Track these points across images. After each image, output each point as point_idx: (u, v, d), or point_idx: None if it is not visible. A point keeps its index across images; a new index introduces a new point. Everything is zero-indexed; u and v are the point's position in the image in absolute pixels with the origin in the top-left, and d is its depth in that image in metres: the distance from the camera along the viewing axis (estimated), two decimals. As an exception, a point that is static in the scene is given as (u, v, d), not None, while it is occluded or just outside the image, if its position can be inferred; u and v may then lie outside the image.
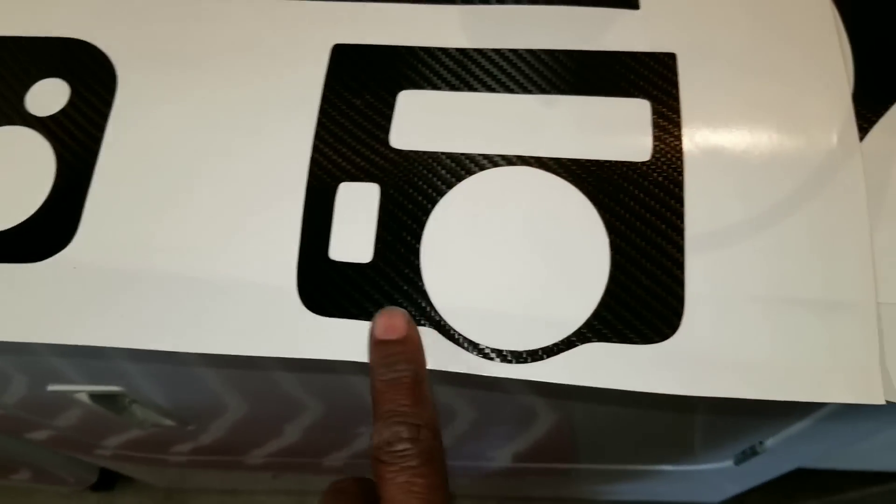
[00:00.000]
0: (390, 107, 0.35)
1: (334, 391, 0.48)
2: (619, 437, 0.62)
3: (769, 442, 0.57)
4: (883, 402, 0.29)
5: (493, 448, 0.66)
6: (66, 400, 0.57)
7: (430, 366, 0.32)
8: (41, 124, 0.36)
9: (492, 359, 0.31)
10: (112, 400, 0.59)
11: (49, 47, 0.38)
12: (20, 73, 0.37)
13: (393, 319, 0.31)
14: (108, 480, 0.98)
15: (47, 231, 0.34)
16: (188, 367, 0.44)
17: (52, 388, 0.56)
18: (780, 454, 0.59)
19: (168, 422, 0.64)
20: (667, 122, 0.34)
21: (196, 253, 0.33)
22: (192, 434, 0.67)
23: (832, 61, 0.34)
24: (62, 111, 0.36)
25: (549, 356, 0.31)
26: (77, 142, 0.35)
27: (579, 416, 0.54)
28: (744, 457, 0.65)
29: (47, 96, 0.36)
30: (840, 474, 0.66)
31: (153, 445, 0.70)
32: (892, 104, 0.34)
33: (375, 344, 0.31)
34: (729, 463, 0.67)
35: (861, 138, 0.33)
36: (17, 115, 0.36)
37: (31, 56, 0.37)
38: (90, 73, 0.37)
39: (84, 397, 0.57)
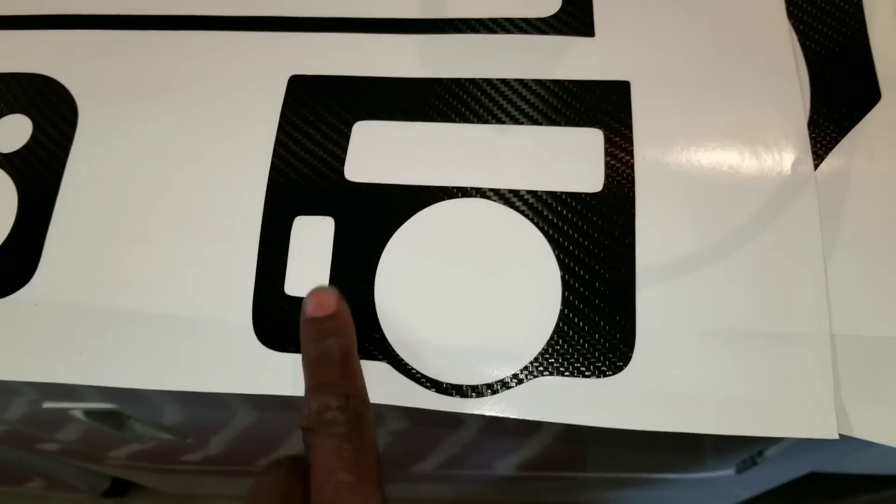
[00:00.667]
0: (346, 138, 0.35)
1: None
2: (627, 446, 0.61)
3: (769, 452, 0.57)
4: (836, 437, 0.29)
5: (500, 457, 0.66)
6: (65, 416, 0.58)
7: (384, 400, 0.32)
8: (5, 160, 0.36)
9: (449, 393, 0.31)
10: (108, 416, 0.60)
11: (13, 83, 0.38)
12: (-16, 109, 0.38)
13: (323, 297, 0.31)
14: (120, 487, 0.99)
15: (8, 268, 0.34)
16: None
17: (47, 405, 0.57)
18: (781, 463, 0.58)
19: (166, 436, 0.65)
20: (619, 152, 0.33)
21: (153, 289, 0.33)
22: (195, 446, 0.68)
23: (788, 88, 0.34)
24: (25, 147, 0.36)
25: (504, 389, 0.31)
26: (39, 177, 0.36)
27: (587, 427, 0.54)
28: (744, 466, 0.64)
29: (10, 132, 0.37)
30: (853, 478, 0.66)
31: (162, 456, 0.71)
32: (847, 131, 0.33)
33: (305, 322, 0.31)
34: (731, 471, 0.67)
35: (816, 166, 0.32)
36: (-18, 152, 0.37)
37: (-6, 92, 0.38)
38: (52, 108, 0.37)
39: (79, 414, 0.57)
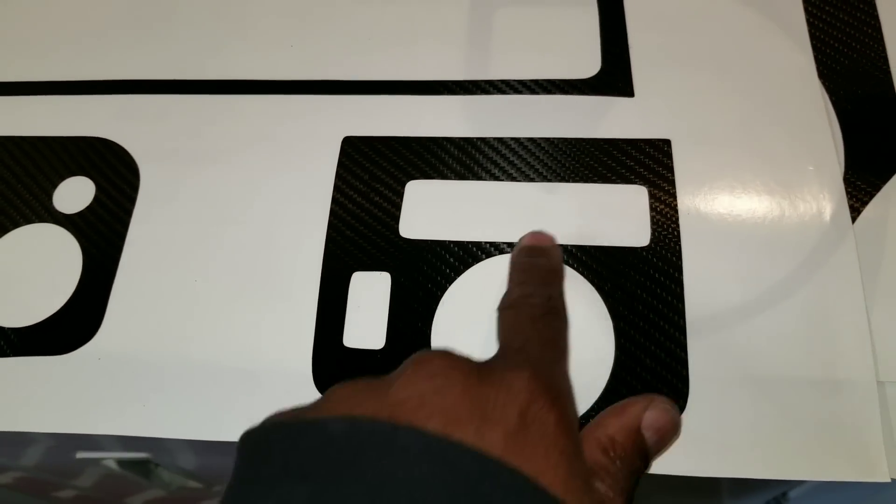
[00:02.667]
0: (399, 196, 0.37)
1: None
2: (644, 489, 0.62)
3: (793, 493, 0.57)
4: (888, 480, 0.30)
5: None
6: (84, 462, 0.58)
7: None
8: (69, 221, 0.38)
9: (502, 442, 0.32)
10: (139, 465, 0.60)
11: (75, 147, 0.40)
12: (48, 172, 0.39)
13: (541, 235, 0.34)
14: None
15: (74, 324, 0.35)
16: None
17: (80, 455, 0.57)
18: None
19: (194, 484, 0.65)
20: (664, 207, 0.35)
21: (215, 343, 0.35)
22: (216, 493, 0.68)
23: (822, 144, 0.36)
24: (88, 208, 0.38)
25: (558, 438, 0.32)
26: (103, 238, 0.37)
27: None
28: (768, 508, 0.64)
29: (74, 194, 0.38)
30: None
31: (179, 501, 0.71)
32: (883, 184, 0.35)
33: (521, 248, 0.33)
34: (754, 514, 0.67)
35: (854, 218, 0.34)
36: (47, 213, 0.38)
37: (58, 155, 0.39)
38: (114, 170, 0.39)
39: (112, 464, 0.58)
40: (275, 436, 0.22)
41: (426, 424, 0.21)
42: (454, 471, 0.20)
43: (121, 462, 0.58)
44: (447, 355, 0.24)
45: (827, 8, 0.39)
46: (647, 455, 0.27)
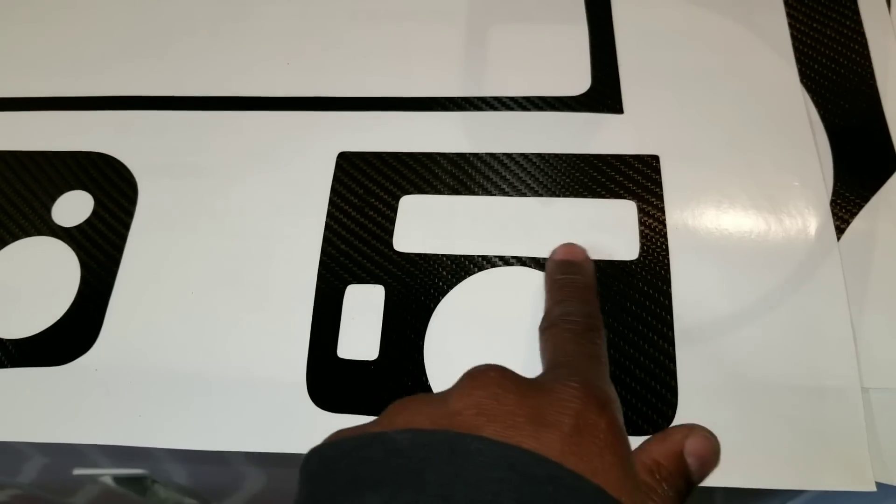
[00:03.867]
0: (394, 210, 0.37)
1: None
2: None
3: (790, 505, 0.57)
4: (874, 489, 0.30)
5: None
6: (82, 479, 0.58)
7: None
8: (67, 235, 0.38)
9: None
10: (135, 482, 0.60)
11: (74, 161, 0.40)
12: (48, 185, 0.40)
13: (574, 248, 0.35)
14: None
15: (71, 336, 0.36)
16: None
17: (77, 471, 0.57)
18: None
19: (190, 500, 0.65)
20: (653, 221, 0.36)
21: (211, 354, 0.35)
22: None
23: (808, 160, 0.36)
24: (87, 221, 0.39)
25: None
26: (101, 251, 0.38)
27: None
28: (762, 521, 0.64)
29: (73, 208, 0.39)
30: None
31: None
32: (870, 197, 0.35)
33: (555, 262, 0.34)
34: (749, 527, 0.66)
35: (844, 229, 0.35)
36: (45, 226, 0.39)
37: (57, 170, 0.40)
38: (113, 184, 0.39)
39: (108, 480, 0.58)
40: (340, 451, 0.23)
41: (486, 431, 0.22)
42: (520, 474, 0.21)
43: (117, 479, 0.58)
44: (500, 368, 0.26)
45: (813, 24, 0.40)
46: (691, 479, 0.28)
